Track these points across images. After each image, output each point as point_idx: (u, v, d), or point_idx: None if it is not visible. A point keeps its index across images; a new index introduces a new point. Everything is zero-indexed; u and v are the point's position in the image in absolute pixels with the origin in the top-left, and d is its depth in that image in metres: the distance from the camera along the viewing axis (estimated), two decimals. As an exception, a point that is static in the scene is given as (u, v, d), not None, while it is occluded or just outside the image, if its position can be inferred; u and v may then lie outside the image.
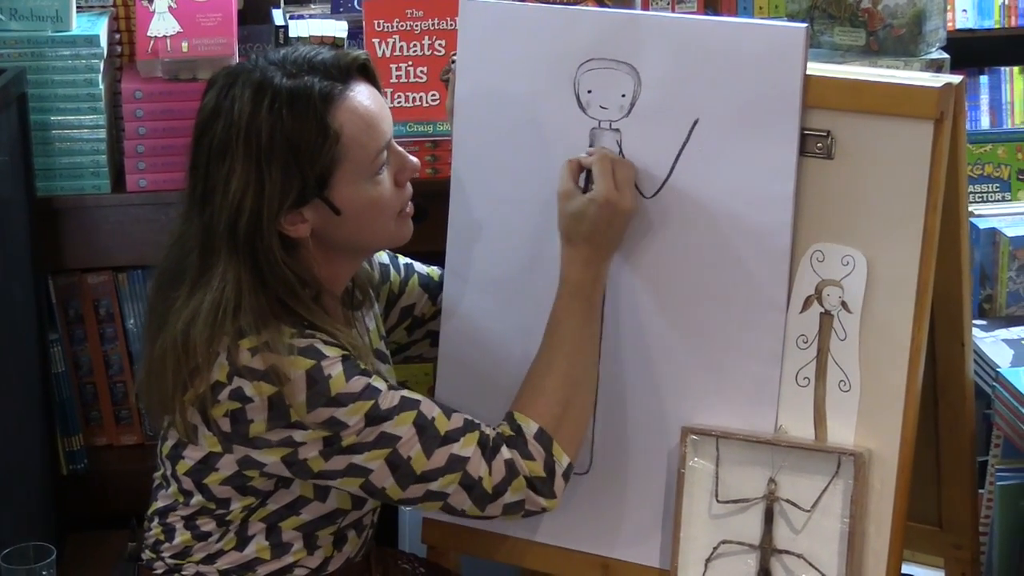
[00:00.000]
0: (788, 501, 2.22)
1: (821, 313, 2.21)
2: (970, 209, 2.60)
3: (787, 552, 2.23)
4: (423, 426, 2.15)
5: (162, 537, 2.26)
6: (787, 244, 2.21)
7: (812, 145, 2.19)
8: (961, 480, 2.41)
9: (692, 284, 2.27)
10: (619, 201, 2.22)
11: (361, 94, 2.16)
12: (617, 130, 2.30)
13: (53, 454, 3.22)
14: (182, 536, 2.24)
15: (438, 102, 3.12)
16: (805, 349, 2.22)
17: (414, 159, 2.24)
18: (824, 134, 2.18)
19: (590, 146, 2.31)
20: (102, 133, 3.12)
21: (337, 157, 2.12)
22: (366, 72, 2.20)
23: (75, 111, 3.11)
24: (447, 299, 2.44)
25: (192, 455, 2.20)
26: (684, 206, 2.26)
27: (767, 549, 2.24)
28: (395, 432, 2.13)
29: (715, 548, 2.26)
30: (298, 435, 2.12)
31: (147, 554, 2.29)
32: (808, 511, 2.21)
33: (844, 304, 2.19)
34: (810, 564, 2.21)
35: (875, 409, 2.19)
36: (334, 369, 2.11)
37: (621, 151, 2.29)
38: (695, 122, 2.24)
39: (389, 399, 2.14)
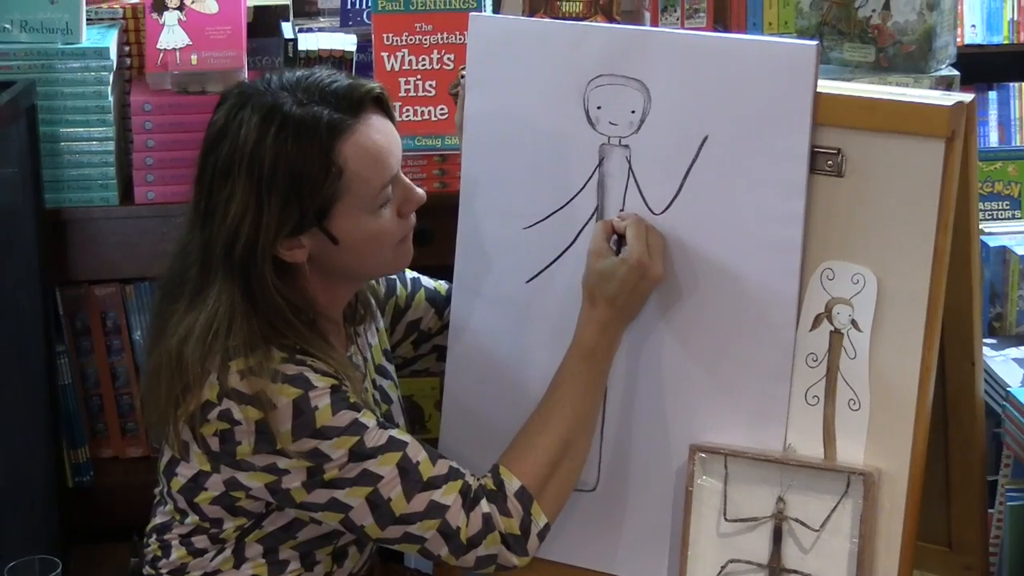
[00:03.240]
0: (797, 520, 2.22)
1: (831, 331, 2.20)
2: (980, 227, 2.59)
3: (796, 572, 2.22)
4: (407, 469, 2.13)
5: (159, 553, 2.26)
6: (797, 262, 2.20)
7: (822, 163, 2.18)
8: (971, 500, 2.40)
9: (701, 301, 2.27)
10: (650, 266, 2.21)
11: (371, 127, 2.14)
12: (626, 146, 2.29)
13: (59, 466, 3.21)
14: (178, 553, 2.24)
15: (447, 116, 3.12)
16: (815, 367, 2.22)
17: (420, 191, 2.22)
18: (834, 152, 2.17)
19: (599, 162, 2.30)
20: (111, 145, 3.12)
21: (339, 191, 2.11)
22: (380, 103, 2.18)
23: (84, 123, 3.11)
24: (455, 313, 2.44)
25: (184, 472, 2.19)
26: (693, 223, 2.26)
27: (775, 568, 2.23)
28: (378, 471, 2.12)
29: (723, 567, 2.25)
30: (282, 462, 2.11)
31: (147, 570, 2.29)
32: (817, 530, 2.21)
33: (854, 322, 2.18)
34: (819, 584, 2.20)
35: (885, 428, 2.18)
36: (321, 401, 2.10)
37: (631, 167, 2.29)
38: (704, 139, 2.24)
39: (376, 437, 2.13)
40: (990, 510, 2.52)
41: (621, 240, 2.25)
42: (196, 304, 2.13)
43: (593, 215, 2.33)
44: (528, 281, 2.38)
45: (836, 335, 2.20)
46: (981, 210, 3.15)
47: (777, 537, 2.23)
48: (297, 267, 2.15)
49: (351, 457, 2.11)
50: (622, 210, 2.30)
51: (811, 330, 2.21)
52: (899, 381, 2.17)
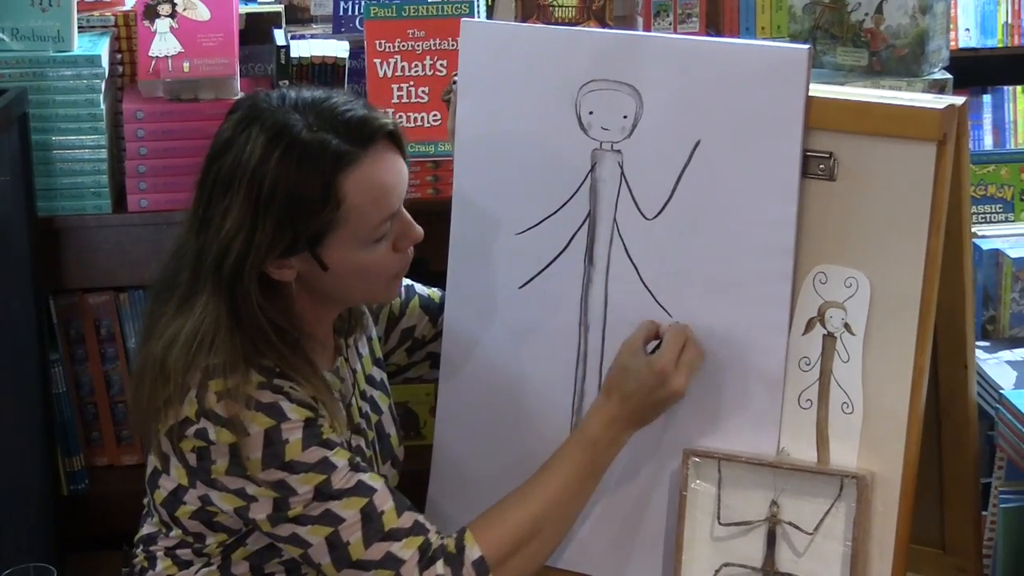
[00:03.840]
0: (790, 524, 2.22)
1: (824, 335, 2.20)
2: (973, 230, 2.59)
3: (789, 575, 2.22)
4: (370, 516, 2.12)
5: (146, 564, 2.26)
6: (789, 266, 2.20)
7: (814, 167, 2.18)
8: (964, 502, 2.39)
9: (693, 306, 2.26)
10: (673, 377, 2.18)
11: (378, 162, 2.11)
12: (619, 151, 2.29)
13: (54, 474, 3.21)
14: (164, 564, 2.23)
15: (439, 122, 3.12)
16: (807, 371, 2.22)
17: (418, 229, 2.19)
18: (826, 155, 2.17)
19: (591, 168, 2.30)
20: (103, 153, 3.12)
21: (335, 222, 2.09)
22: (393, 138, 2.16)
23: (76, 131, 3.11)
24: (448, 319, 2.44)
25: (166, 485, 2.19)
26: (685, 228, 2.26)
27: (769, 572, 2.23)
28: (340, 513, 2.11)
29: (717, 571, 2.25)
30: (251, 488, 2.11)
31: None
32: (811, 534, 2.20)
33: (847, 326, 2.18)
34: (813, 587, 2.20)
35: (878, 431, 2.18)
36: (292, 435, 2.09)
37: (623, 172, 2.29)
38: (697, 143, 2.24)
39: (343, 479, 2.11)
40: (983, 512, 2.52)
41: (660, 341, 2.24)
42: (184, 310, 2.12)
43: (585, 220, 2.33)
44: (521, 287, 2.38)
45: (829, 339, 2.20)
46: (974, 213, 3.15)
47: (771, 541, 2.23)
48: (284, 285, 2.14)
49: (316, 495, 2.10)
50: (615, 219, 2.30)
51: (804, 334, 2.21)
52: (892, 384, 2.16)
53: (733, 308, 2.24)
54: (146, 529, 2.26)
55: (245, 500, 2.12)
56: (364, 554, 2.11)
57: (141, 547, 2.27)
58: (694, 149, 2.24)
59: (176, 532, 2.20)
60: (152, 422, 2.14)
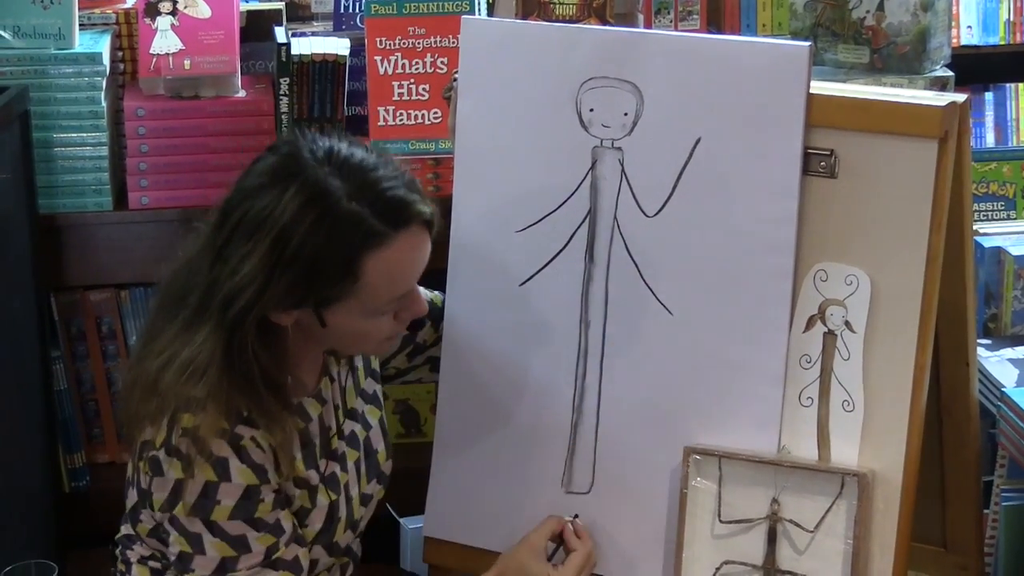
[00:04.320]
0: (791, 521, 2.21)
1: (824, 333, 2.20)
2: (975, 228, 2.59)
3: (790, 573, 2.21)
4: None
5: (123, 568, 2.26)
6: (790, 263, 2.20)
7: (815, 164, 2.18)
8: (966, 500, 2.39)
9: (694, 303, 2.27)
10: None
11: (404, 245, 2.07)
12: (619, 148, 2.29)
13: (55, 472, 3.21)
14: (139, 570, 2.23)
15: (440, 120, 3.12)
16: (808, 369, 2.21)
17: (424, 305, 2.18)
18: (827, 153, 2.17)
19: (592, 165, 2.30)
20: (104, 151, 3.12)
21: (348, 294, 2.07)
22: (426, 223, 2.12)
23: (78, 128, 3.11)
24: (449, 317, 2.43)
25: (132, 496, 2.19)
26: (686, 225, 2.26)
27: (770, 570, 2.22)
28: None
29: (718, 568, 2.25)
30: (171, 530, 2.11)
31: None
32: (811, 532, 2.20)
33: (847, 324, 2.18)
34: (814, 585, 2.20)
35: (879, 429, 2.18)
36: (228, 499, 2.08)
37: (623, 170, 2.29)
38: (697, 140, 2.24)
39: (248, 569, 2.10)
40: (985, 511, 2.52)
41: (560, 544, 2.30)
42: (184, 335, 2.09)
43: (586, 218, 2.33)
44: (522, 284, 2.37)
45: (830, 336, 2.20)
46: (976, 211, 3.15)
47: (772, 538, 2.22)
48: (280, 329, 2.13)
49: (216, 570, 2.10)
50: (615, 216, 2.30)
51: (804, 331, 2.21)
52: (893, 382, 2.16)
53: (734, 305, 2.24)
54: (124, 530, 2.26)
55: (164, 537, 2.13)
56: None
57: (120, 548, 2.27)
58: (695, 146, 2.24)
59: (144, 544, 2.21)
60: (133, 430, 2.14)
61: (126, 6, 3.29)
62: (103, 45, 3.14)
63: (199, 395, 2.06)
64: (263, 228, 2.03)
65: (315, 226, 2.02)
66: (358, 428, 2.32)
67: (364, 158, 2.08)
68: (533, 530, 2.30)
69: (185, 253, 2.20)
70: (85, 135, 3.11)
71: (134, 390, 2.13)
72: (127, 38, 3.25)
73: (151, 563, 2.22)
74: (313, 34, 3.36)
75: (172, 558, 2.12)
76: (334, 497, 2.24)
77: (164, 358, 2.09)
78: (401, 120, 3.12)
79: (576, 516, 2.33)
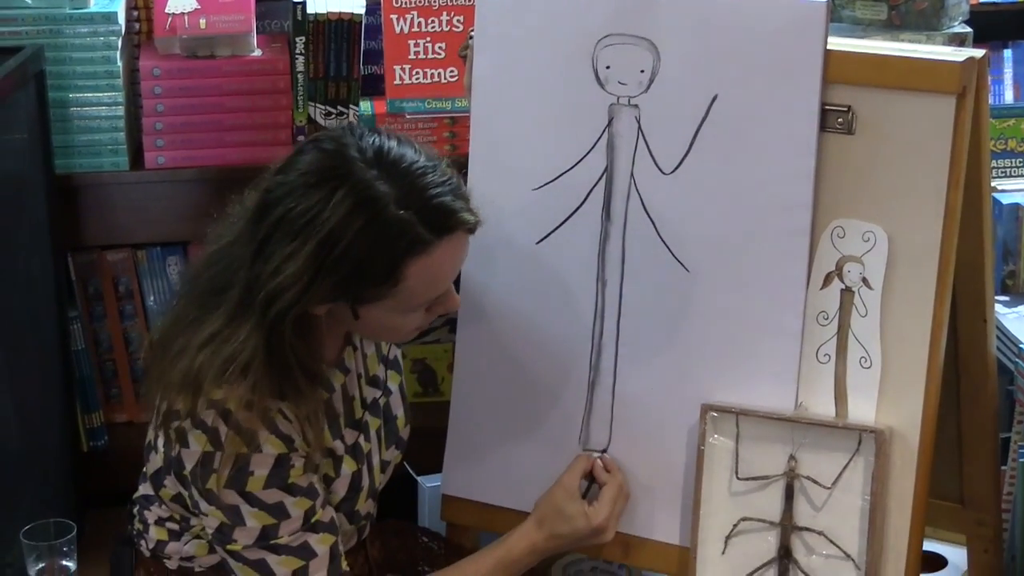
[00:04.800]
0: (808, 478, 2.21)
1: (842, 289, 2.20)
2: (993, 184, 2.58)
3: (807, 529, 2.22)
4: None
5: (140, 528, 2.27)
6: (807, 220, 2.20)
7: (832, 120, 2.17)
8: (983, 457, 2.39)
9: (711, 260, 2.26)
10: (606, 533, 2.27)
11: (447, 250, 2.06)
12: (636, 106, 2.29)
13: (73, 431, 3.22)
14: (156, 531, 2.25)
15: (456, 78, 3.11)
16: (826, 326, 2.21)
17: (457, 302, 2.18)
18: (845, 109, 2.16)
19: (608, 123, 2.30)
20: (120, 110, 3.12)
21: (387, 294, 2.06)
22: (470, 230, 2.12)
23: (93, 88, 3.10)
24: (465, 276, 2.43)
25: (154, 461, 2.20)
26: (703, 182, 2.25)
27: (787, 526, 2.23)
28: (274, 567, 2.11)
29: (735, 525, 2.26)
30: (203, 505, 2.11)
31: (136, 540, 2.30)
32: (829, 488, 2.20)
33: (865, 280, 2.18)
34: (831, 541, 2.20)
35: (896, 386, 2.18)
36: (260, 469, 2.08)
37: (640, 127, 2.28)
38: (714, 98, 2.23)
39: (292, 535, 2.11)
40: (1002, 467, 2.52)
41: (592, 481, 2.31)
42: (228, 328, 2.07)
43: (603, 175, 2.32)
44: (538, 242, 2.37)
45: (847, 293, 2.19)
46: (994, 168, 3.13)
47: (789, 495, 2.23)
48: (314, 319, 2.12)
49: (259, 537, 2.10)
50: (632, 174, 2.30)
51: (822, 288, 2.21)
52: (910, 338, 2.16)
53: (750, 263, 2.24)
54: (142, 490, 2.27)
55: (197, 512, 2.14)
56: None
57: (137, 507, 2.28)
58: (711, 103, 2.23)
59: (163, 505, 2.22)
60: (156, 395, 2.14)
61: (141, -35, 3.29)
62: (118, 4, 3.13)
63: (234, 372, 2.04)
64: (308, 230, 2.00)
65: (362, 232, 2.00)
66: (379, 395, 2.33)
67: (414, 161, 2.05)
68: (565, 471, 2.31)
69: (220, 237, 2.18)
70: (101, 95, 3.10)
71: (166, 353, 2.11)
72: (142, -3, 3.25)
73: (168, 524, 2.24)
74: (329, -8, 3.35)
75: (210, 530, 2.13)
76: (358, 466, 2.25)
77: (206, 354, 2.06)
78: (417, 79, 3.11)
79: (604, 451, 2.34)
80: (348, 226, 2.00)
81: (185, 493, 2.14)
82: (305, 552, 2.12)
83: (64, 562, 2.60)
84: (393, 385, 2.36)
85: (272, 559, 2.11)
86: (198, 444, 2.07)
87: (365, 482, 2.26)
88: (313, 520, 2.13)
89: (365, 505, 2.29)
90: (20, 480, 2.86)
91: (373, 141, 2.06)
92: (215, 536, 2.13)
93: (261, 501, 2.09)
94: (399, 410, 2.37)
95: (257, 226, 2.05)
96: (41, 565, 2.59)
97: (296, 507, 2.11)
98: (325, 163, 2.04)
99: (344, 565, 2.17)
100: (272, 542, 2.10)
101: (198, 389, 2.05)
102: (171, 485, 2.17)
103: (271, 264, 2.02)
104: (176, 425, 2.09)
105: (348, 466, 2.22)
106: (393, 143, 2.06)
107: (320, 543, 2.13)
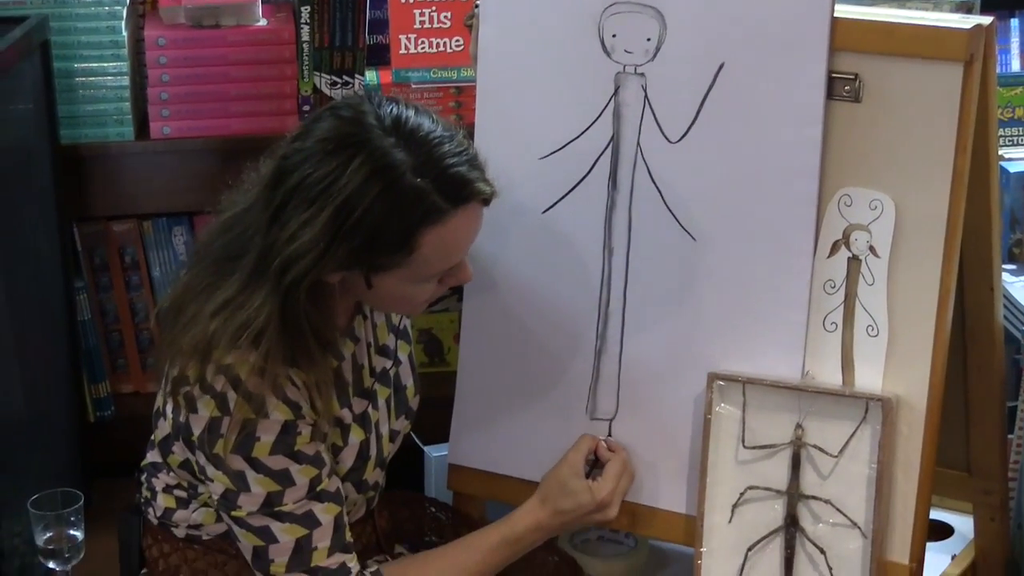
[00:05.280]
0: (815, 447, 2.21)
1: (849, 258, 2.19)
2: (1000, 152, 2.57)
3: (814, 498, 2.22)
4: (302, 548, 2.12)
5: (148, 496, 2.27)
6: (814, 189, 2.19)
7: (840, 88, 2.17)
8: (990, 425, 2.39)
9: (718, 229, 2.26)
10: (609, 509, 2.28)
11: (462, 221, 2.06)
12: (642, 75, 2.28)
13: (80, 402, 3.23)
14: (164, 499, 2.25)
15: (462, 48, 3.10)
16: (832, 294, 2.21)
17: (470, 273, 2.17)
18: (852, 77, 2.16)
19: (614, 91, 2.29)
20: (125, 80, 3.11)
21: (402, 263, 2.06)
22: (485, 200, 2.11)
23: (98, 58, 3.10)
24: (472, 247, 2.42)
25: (162, 427, 2.20)
26: (709, 151, 2.25)
27: (794, 495, 2.23)
28: (277, 534, 2.11)
29: (742, 494, 2.26)
30: (210, 470, 2.11)
31: (144, 508, 2.30)
32: (835, 457, 2.20)
33: (872, 249, 2.18)
34: (837, 509, 2.20)
35: (903, 354, 2.17)
36: (267, 435, 2.08)
37: (646, 96, 2.28)
38: (721, 66, 2.22)
39: (296, 503, 2.11)
40: (1009, 435, 2.52)
41: (596, 461, 2.32)
42: (241, 295, 2.07)
43: (609, 144, 2.32)
44: (545, 211, 2.37)
45: (854, 261, 2.19)
46: (1001, 136, 3.13)
47: (795, 464, 2.22)
48: (327, 287, 2.12)
49: (263, 505, 2.10)
50: (638, 142, 2.29)
51: (829, 257, 2.20)
52: (917, 307, 2.16)
53: (757, 231, 2.23)
54: (150, 457, 2.27)
55: (204, 477, 2.14)
56: (282, 575, 2.13)
57: (145, 475, 2.28)
58: (718, 72, 2.23)
59: (172, 473, 2.22)
60: (165, 362, 2.13)
61: (147, -66, 3.28)
62: (123, -26, 3.13)
63: (256, 359, 2.05)
64: (325, 196, 2.00)
65: (378, 199, 2.00)
66: (389, 364, 2.33)
67: (431, 130, 2.05)
68: (570, 449, 2.31)
69: (234, 204, 2.17)
70: (106, 65, 3.10)
71: (179, 319, 2.11)
72: (147, -34, 3.24)
73: (176, 492, 2.24)
74: (333, -39, 3.34)
75: (215, 496, 2.13)
76: (366, 435, 2.25)
77: (219, 320, 2.06)
78: (423, 48, 3.11)
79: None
80: (364, 193, 2.00)
81: (192, 459, 2.14)
82: (309, 521, 2.12)
83: (71, 532, 2.60)
84: (403, 355, 2.36)
85: (276, 526, 2.11)
86: (206, 410, 2.07)
87: (373, 451, 2.26)
88: (318, 489, 2.13)
89: (373, 474, 2.29)
90: (27, 450, 2.87)
91: (391, 110, 2.06)
92: (220, 502, 2.13)
93: (267, 467, 2.09)
94: (408, 380, 2.37)
95: (273, 192, 2.05)
96: (48, 534, 2.59)
97: (301, 475, 2.11)
98: (343, 130, 2.04)
99: (348, 536, 2.17)
100: (276, 509, 2.10)
101: (209, 355, 2.06)
102: (179, 451, 2.17)
103: (287, 230, 2.02)
104: (185, 391, 2.09)
105: (356, 435, 2.23)
106: (411, 112, 2.06)
107: (324, 512, 2.13)
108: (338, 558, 2.14)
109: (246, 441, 2.07)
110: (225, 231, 2.16)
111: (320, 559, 2.13)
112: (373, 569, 2.19)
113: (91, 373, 3.25)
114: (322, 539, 2.13)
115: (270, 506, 2.10)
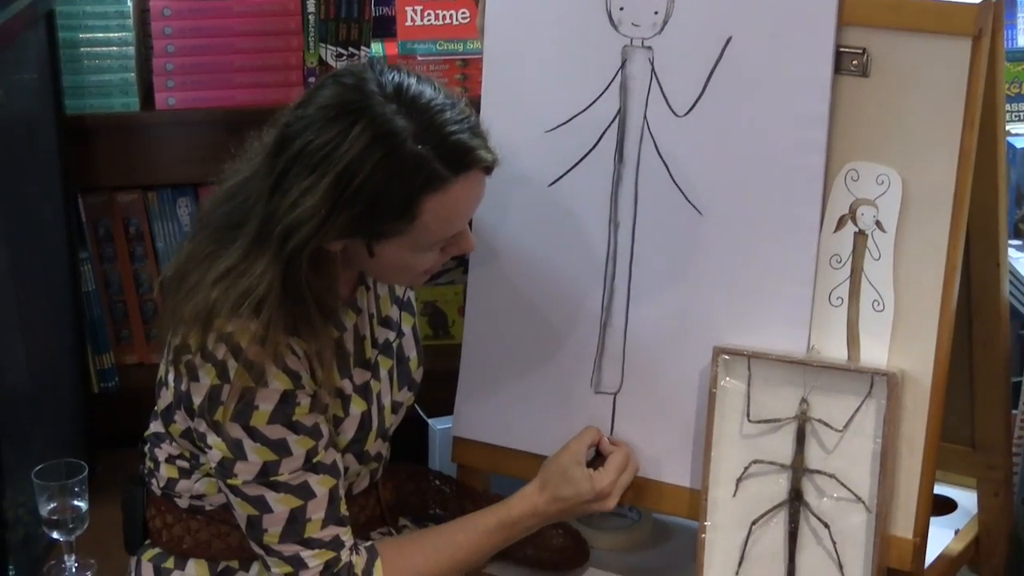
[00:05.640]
0: (820, 421, 2.21)
1: (855, 233, 2.19)
2: (1007, 128, 2.56)
3: (819, 472, 2.22)
4: (296, 518, 2.12)
5: (152, 466, 2.27)
6: (821, 163, 2.18)
7: (847, 63, 2.16)
8: (995, 401, 2.39)
9: (724, 203, 2.25)
10: (607, 501, 2.28)
11: (463, 189, 2.06)
12: (649, 48, 2.27)
13: (84, 372, 3.23)
14: (167, 469, 2.25)
15: (468, 20, 3.10)
16: (839, 269, 2.21)
17: (473, 243, 2.18)
18: (859, 51, 2.15)
19: (621, 65, 2.29)
20: (131, 51, 3.10)
21: (402, 230, 2.06)
22: (486, 168, 2.11)
23: (104, 28, 3.09)
24: (477, 219, 2.42)
25: (165, 396, 2.20)
26: (716, 125, 2.24)
27: (799, 469, 2.23)
28: (271, 504, 2.11)
29: (746, 468, 2.26)
30: (209, 438, 2.11)
31: (148, 479, 2.30)
32: (840, 431, 2.20)
33: (878, 223, 2.17)
34: (842, 484, 2.20)
35: (909, 329, 2.17)
36: (265, 404, 2.08)
37: (653, 69, 2.27)
38: (728, 40, 2.22)
39: (292, 473, 2.11)
40: (1014, 411, 2.52)
41: (598, 454, 2.33)
42: (244, 263, 2.07)
43: (615, 118, 2.31)
44: (551, 185, 2.37)
45: (860, 236, 2.19)
46: (1008, 112, 3.12)
47: (800, 438, 2.22)
48: (329, 255, 2.12)
49: (259, 474, 2.10)
50: (645, 116, 2.29)
51: (835, 231, 2.20)
52: (923, 282, 2.15)
53: (764, 206, 2.23)
54: (153, 428, 2.27)
55: (203, 444, 2.14)
56: (276, 545, 2.13)
57: (148, 446, 2.28)
58: (726, 45, 2.22)
59: (175, 443, 2.22)
60: (168, 331, 2.13)
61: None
62: (129, -57, 3.12)
63: (257, 328, 2.05)
64: (327, 163, 2.00)
65: (380, 166, 2.00)
66: (392, 336, 2.33)
67: (433, 97, 2.05)
68: (573, 438, 2.31)
69: (237, 172, 2.17)
70: (111, 35, 3.09)
71: (180, 288, 2.11)
72: (153, -64, 3.23)
73: (179, 462, 2.24)
74: (340, -68, 3.33)
75: (212, 464, 2.14)
76: (367, 406, 2.25)
77: (221, 288, 2.07)
78: (429, 20, 3.10)
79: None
80: (366, 160, 2.00)
81: (193, 426, 2.15)
82: (304, 492, 2.12)
83: (75, 502, 2.61)
84: (406, 326, 2.36)
85: (271, 496, 2.11)
86: (207, 377, 2.08)
87: (375, 423, 2.26)
88: (315, 460, 2.13)
89: (375, 446, 2.29)
90: (32, 421, 2.87)
91: (393, 77, 2.06)
92: (217, 470, 2.13)
93: (264, 436, 2.09)
94: (412, 352, 2.37)
95: (275, 160, 2.05)
96: (53, 505, 2.60)
97: (299, 445, 2.11)
98: (344, 97, 2.04)
99: (343, 509, 2.17)
100: (272, 479, 2.11)
101: (210, 323, 2.06)
102: (180, 420, 2.17)
103: (289, 198, 2.02)
104: (187, 359, 2.09)
105: (357, 406, 2.23)
106: (413, 80, 2.06)
107: (320, 484, 2.14)
108: (332, 530, 2.15)
109: (245, 409, 2.07)
110: (227, 199, 2.16)
111: (314, 530, 2.13)
112: (368, 544, 2.20)
113: (95, 344, 3.25)
114: (316, 511, 2.13)
115: (266, 475, 2.10)
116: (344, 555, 2.15)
